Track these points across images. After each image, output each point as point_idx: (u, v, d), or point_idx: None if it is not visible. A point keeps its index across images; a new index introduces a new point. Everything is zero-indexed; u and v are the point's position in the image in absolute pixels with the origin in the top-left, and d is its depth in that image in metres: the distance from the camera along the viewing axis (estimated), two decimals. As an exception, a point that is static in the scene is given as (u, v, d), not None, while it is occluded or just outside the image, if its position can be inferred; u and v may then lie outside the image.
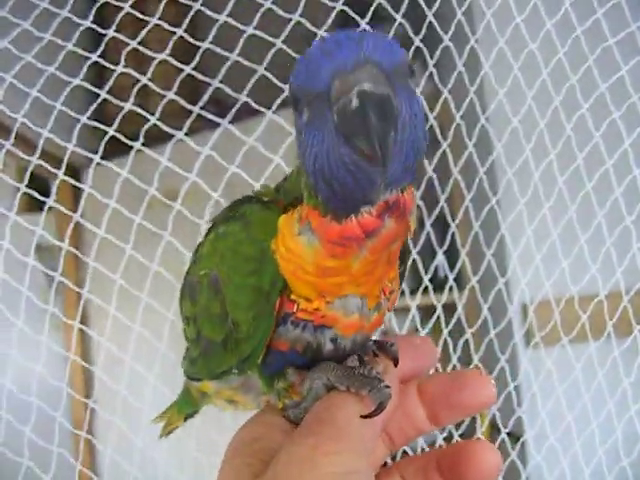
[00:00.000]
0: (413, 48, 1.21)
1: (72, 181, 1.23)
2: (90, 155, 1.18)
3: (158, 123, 1.15)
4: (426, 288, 1.28)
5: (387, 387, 0.43)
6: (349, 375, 0.44)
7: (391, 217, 0.41)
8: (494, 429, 1.41)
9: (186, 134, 1.19)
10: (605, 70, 1.27)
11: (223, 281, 0.47)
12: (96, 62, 1.18)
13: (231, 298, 0.47)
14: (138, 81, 1.16)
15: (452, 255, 1.35)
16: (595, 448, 1.32)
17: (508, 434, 1.36)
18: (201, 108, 1.18)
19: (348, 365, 0.45)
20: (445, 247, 1.28)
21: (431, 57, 1.20)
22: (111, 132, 1.16)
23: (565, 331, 1.30)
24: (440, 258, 1.28)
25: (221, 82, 1.15)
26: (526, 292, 1.34)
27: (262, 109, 1.16)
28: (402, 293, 1.29)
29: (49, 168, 1.16)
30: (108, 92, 1.17)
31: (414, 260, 1.23)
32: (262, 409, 0.50)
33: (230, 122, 1.18)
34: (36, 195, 1.19)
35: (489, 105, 1.26)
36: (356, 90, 0.34)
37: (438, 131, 1.24)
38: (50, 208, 1.22)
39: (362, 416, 0.41)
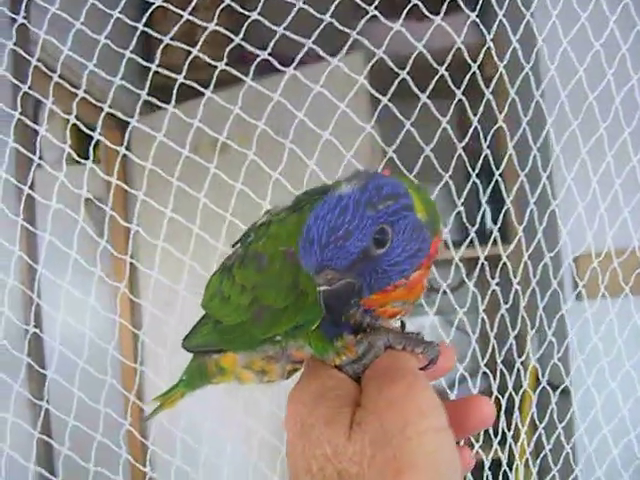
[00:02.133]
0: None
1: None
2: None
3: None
4: (471, 241, 1.28)
5: (437, 345, 0.53)
6: (404, 337, 0.53)
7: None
8: (539, 381, 1.41)
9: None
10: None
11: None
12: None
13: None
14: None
15: (497, 208, 1.35)
16: None
17: (552, 385, 1.37)
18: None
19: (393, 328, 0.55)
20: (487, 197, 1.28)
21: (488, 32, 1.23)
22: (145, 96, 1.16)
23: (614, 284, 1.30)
24: (486, 210, 1.28)
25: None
26: (569, 245, 1.34)
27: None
28: (446, 245, 1.32)
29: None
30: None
31: (459, 212, 1.24)
32: (309, 368, 0.55)
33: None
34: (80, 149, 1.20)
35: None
36: (317, 289, 0.48)
37: (481, 79, 1.25)
38: (99, 160, 1.24)
39: (420, 368, 0.51)
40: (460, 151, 1.19)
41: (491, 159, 1.23)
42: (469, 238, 1.24)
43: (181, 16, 1.17)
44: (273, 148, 1.21)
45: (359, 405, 0.48)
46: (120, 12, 1.17)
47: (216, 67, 1.20)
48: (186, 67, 1.17)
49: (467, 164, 1.24)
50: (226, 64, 1.17)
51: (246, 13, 1.18)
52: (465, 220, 1.23)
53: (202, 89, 1.20)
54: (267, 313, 0.58)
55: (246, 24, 1.16)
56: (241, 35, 1.15)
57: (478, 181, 1.22)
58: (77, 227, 1.21)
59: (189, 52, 1.19)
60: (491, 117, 1.27)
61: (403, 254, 0.50)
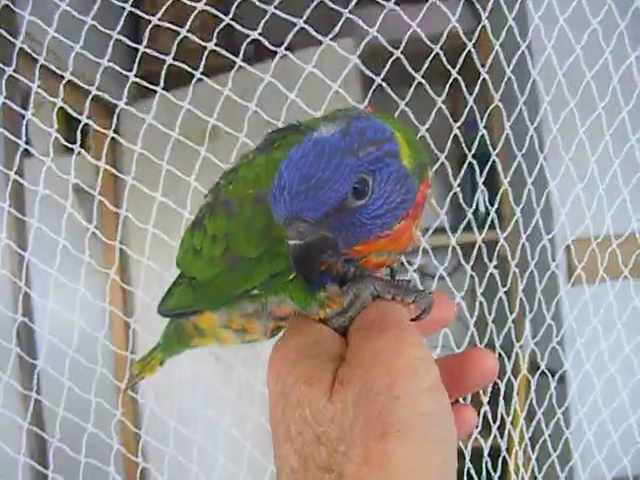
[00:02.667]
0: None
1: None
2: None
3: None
4: (466, 226, 1.26)
5: (431, 294, 0.49)
6: (393, 286, 0.48)
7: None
8: (534, 367, 1.39)
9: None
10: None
11: None
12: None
13: None
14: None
15: (492, 192, 1.34)
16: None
17: (549, 372, 1.35)
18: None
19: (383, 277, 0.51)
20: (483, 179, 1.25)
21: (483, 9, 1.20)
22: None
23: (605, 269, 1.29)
24: (480, 194, 1.26)
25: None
26: (567, 229, 1.33)
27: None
28: (443, 230, 1.30)
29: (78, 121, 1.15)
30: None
31: (455, 196, 1.21)
32: (293, 324, 0.51)
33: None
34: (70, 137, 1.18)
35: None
36: (288, 242, 0.45)
37: (477, 60, 1.22)
38: (88, 150, 1.21)
39: (412, 319, 0.47)
40: (456, 131, 1.16)
41: (487, 140, 1.21)
42: (466, 220, 1.21)
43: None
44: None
45: (344, 361, 0.44)
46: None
47: (206, 56, 1.18)
48: (176, 54, 1.15)
49: (462, 145, 1.21)
50: (216, 44, 1.14)
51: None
52: (462, 201, 1.21)
53: (192, 70, 1.17)
54: (241, 264, 0.54)
55: (235, 3, 1.14)
56: (230, 15, 1.13)
57: (475, 161, 1.19)
58: (66, 215, 1.19)
59: (178, 40, 1.16)
60: (485, 101, 1.24)
61: (384, 206, 0.46)
